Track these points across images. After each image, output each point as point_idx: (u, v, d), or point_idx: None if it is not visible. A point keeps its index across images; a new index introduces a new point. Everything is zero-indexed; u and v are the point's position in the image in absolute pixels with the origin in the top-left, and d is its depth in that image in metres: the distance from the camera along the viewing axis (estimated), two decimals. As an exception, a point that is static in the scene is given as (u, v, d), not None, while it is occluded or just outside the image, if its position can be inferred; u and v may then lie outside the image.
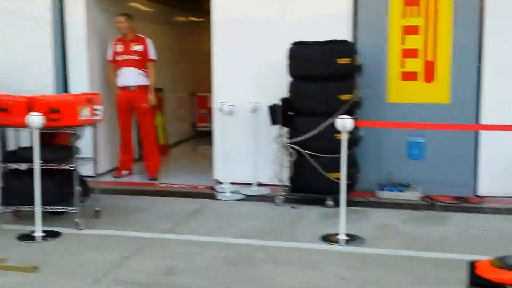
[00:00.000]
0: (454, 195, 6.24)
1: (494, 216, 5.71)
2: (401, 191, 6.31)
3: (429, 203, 6.09)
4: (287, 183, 6.30)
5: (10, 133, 5.65)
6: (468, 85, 6.26)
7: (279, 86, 6.34)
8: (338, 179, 5.25)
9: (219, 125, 6.93)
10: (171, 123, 9.71)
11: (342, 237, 4.92)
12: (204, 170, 7.57)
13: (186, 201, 6.34)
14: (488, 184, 6.24)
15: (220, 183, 6.89)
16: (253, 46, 6.76)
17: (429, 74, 6.37)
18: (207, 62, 7.15)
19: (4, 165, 5.44)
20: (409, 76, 6.43)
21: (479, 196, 6.24)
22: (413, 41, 6.37)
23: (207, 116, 9.77)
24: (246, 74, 6.84)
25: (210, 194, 6.67)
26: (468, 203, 6.09)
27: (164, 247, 4.77)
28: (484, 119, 6.19)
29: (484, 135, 6.25)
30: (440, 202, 6.12)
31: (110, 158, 7.65)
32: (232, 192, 6.60)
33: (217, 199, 6.47)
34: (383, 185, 6.41)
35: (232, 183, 6.73)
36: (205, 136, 9.31)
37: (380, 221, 5.55)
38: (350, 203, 5.94)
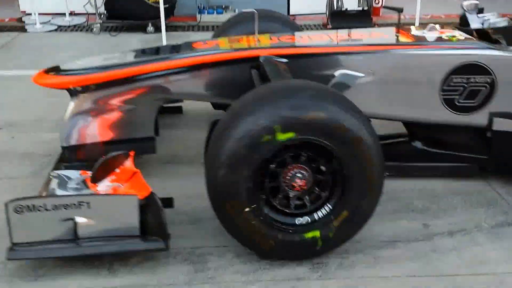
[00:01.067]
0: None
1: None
2: (220, 13, 6.39)
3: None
4: (103, 10, 5.97)
5: None
6: None
7: None
8: (157, 3, 5.11)
9: None
10: None
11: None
12: (8, 2, 6.78)
13: (-10, 36, 5.74)
14: (298, 3, 6.59)
15: (29, 14, 6.29)
16: None
17: None
18: None
19: None
20: None
21: (291, 15, 6.59)
22: None
23: None
24: None
25: (18, 27, 6.09)
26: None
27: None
28: None
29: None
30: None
31: None
32: (43, 23, 6.09)
33: (27, 31, 5.95)
34: (202, 8, 6.40)
35: (42, 14, 6.18)
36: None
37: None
38: (170, 28, 5.92)
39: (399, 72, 2.75)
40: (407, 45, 2.84)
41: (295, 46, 2.89)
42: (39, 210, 2.10)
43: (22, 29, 5.98)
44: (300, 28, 3.65)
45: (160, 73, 2.74)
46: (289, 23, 3.54)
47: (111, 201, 2.21)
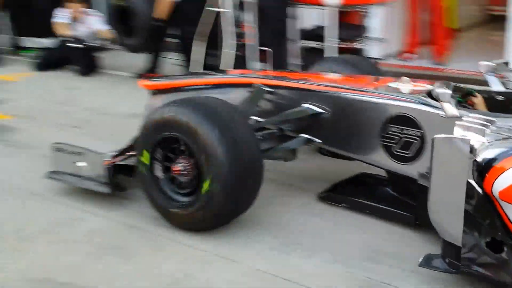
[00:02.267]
0: None
1: None
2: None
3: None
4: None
5: (303, 11, 5.88)
6: None
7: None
8: None
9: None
10: (461, 5, 9.02)
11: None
12: (494, 57, 7.04)
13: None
14: None
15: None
16: None
17: None
18: None
19: (302, 43, 5.84)
20: None
21: None
22: None
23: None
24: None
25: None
26: None
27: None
28: None
29: None
30: None
31: (400, 39, 7.19)
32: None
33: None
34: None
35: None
36: (498, 21, 8.49)
37: None
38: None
39: (346, 113, 3.09)
40: (351, 90, 3.11)
41: (278, 79, 3.48)
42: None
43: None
44: (375, 72, 3.84)
45: (196, 87, 3.66)
46: (358, 68, 3.84)
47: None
